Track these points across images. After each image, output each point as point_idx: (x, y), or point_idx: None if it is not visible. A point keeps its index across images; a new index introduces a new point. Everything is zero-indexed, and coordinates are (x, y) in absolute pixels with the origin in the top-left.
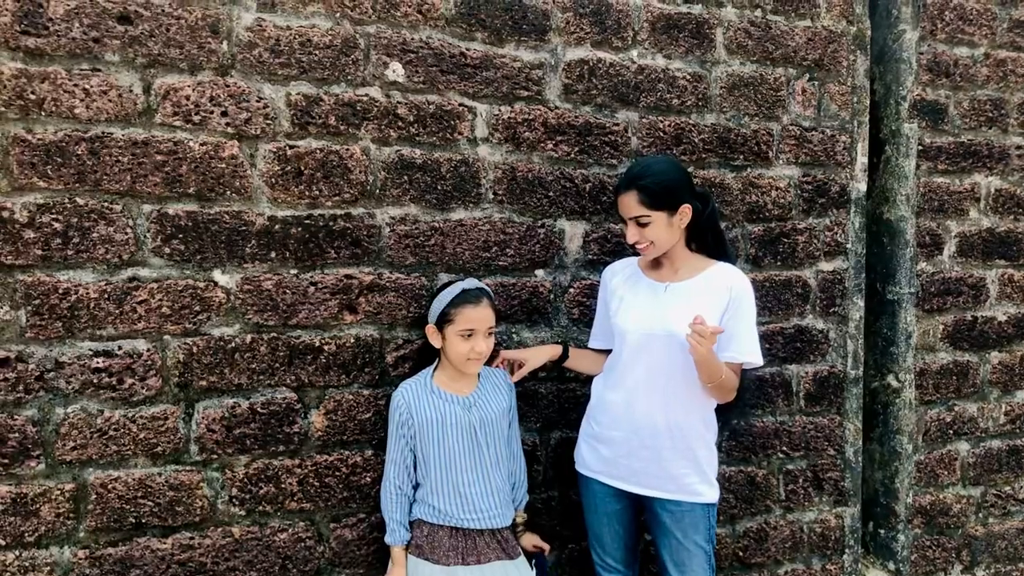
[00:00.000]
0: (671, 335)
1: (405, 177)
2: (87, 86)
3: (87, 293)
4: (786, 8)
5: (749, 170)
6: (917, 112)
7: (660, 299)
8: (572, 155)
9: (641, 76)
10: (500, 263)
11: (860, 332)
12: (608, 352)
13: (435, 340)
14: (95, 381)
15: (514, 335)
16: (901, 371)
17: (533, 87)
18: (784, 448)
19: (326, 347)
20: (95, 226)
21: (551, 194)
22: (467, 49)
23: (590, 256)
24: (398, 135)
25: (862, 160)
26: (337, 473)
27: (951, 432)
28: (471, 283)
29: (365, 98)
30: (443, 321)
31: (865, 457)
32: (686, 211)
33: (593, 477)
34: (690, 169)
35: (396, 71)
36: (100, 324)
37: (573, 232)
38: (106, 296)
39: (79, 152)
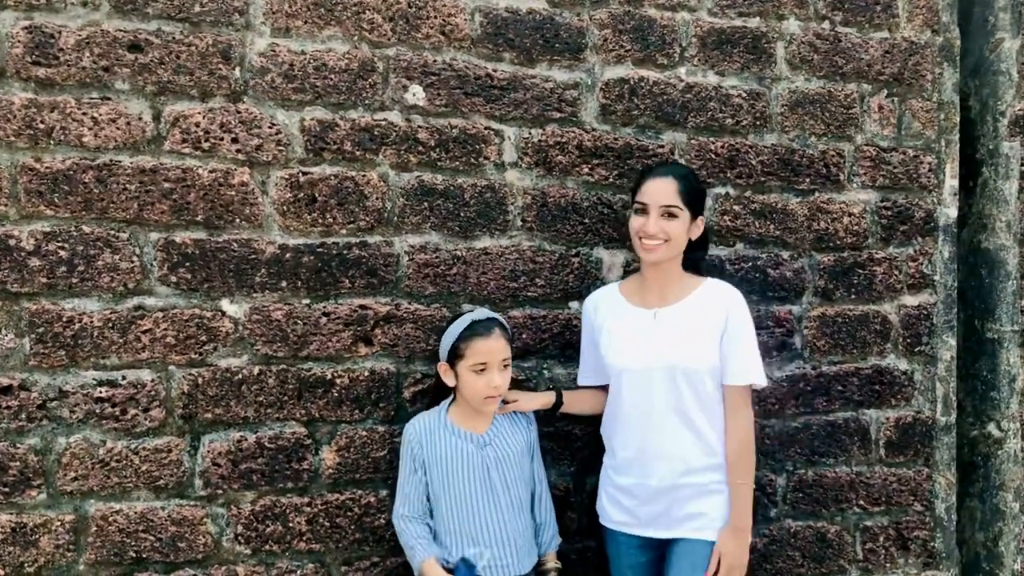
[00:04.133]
0: (671, 367)
1: (425, 204)
2: (96, 114)
3: (91, 322)
4: (858, 19)
5: (817, 194)
6: (1020, 129)
7: (652, 329)
8: (610, 179)
9: (689, 94)
10: (529, 294)
11: (952, 374)
12: (602, 388)
13: (448, 378)
14: (98, 411)
15: (545, 371)
16: (1004, 419)
17: (567, 108)
18: (861, 502)
19: (338, 380)
20: (100, 254)
21: (586, 221)
22: (494, 70)
23: None
24: (418, 160)
25: (951, 183)
26: (349, 513)
27: None
28: (481, 313)
29: (383, 123)
30: (454, 357)
31: (965, 516)
32: (701, 223)
33: (616, 529)
34: (747, 193)
35: (416, 94)
36: (104, 353)
37: (612, 261)
38: (110, 325)
39: (86, 180)
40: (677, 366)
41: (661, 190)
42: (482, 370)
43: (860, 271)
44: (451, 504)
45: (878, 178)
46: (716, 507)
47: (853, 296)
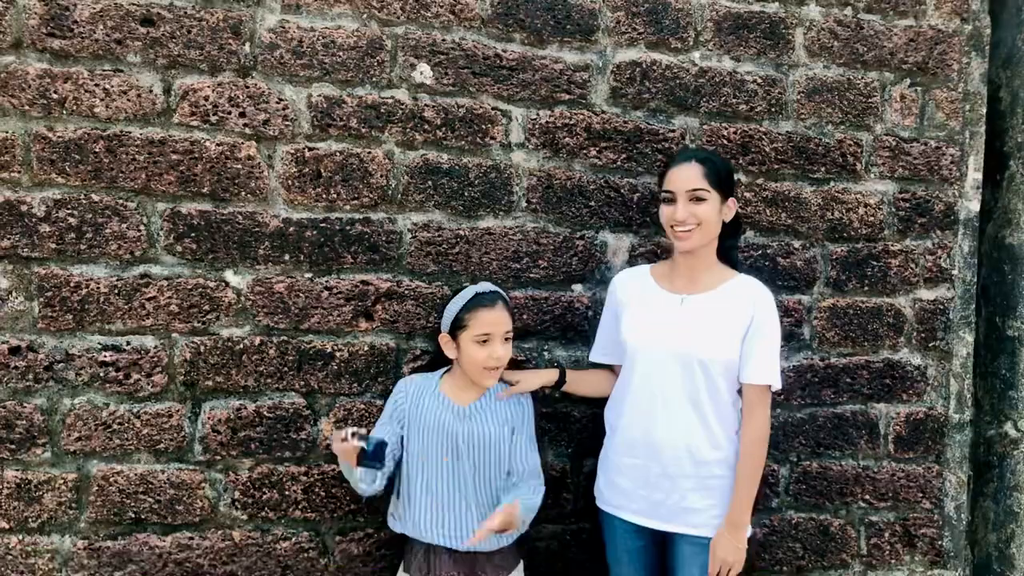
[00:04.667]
0: (688, 355)
1: (430, 182)
2: (108, 86)
3: (98, 287)
4: (882, 6)
5: (832, 184)
6: None
7: (676, 314)
8: (618, 163)
9: (703, 79)
10: (531, 275)
11: (968, 371)
12: (610, 368)
13: (450, 350)
14: (102, 375)
15: (546, 352)
16: (1021, 419)
17: (576, 90)
18: (867, 497)
19: (338, 353)
20: (108, 222)
21: (592, 204)
22: (503, 50)
23: None
24: (424, 139)
25: (974, 176)
26: (345, 484)
27: None
28: (484, 287)
29: (390, 100)
30: (457, 328)
31: (978, 516)
32: (733, 205)
33: (612, 513)
34: (759, 181)
35: (424, 73)
36: (109, 319)
37: (618, 245)
38: (116, 291)
39: (97, 150)
40: (694, 355)
41: (686, 175)
42: (485, 341)
43: (874, 263)
44: (418, 468)
45: (897, 169)
46: (717, 503)
47: (866, 288)
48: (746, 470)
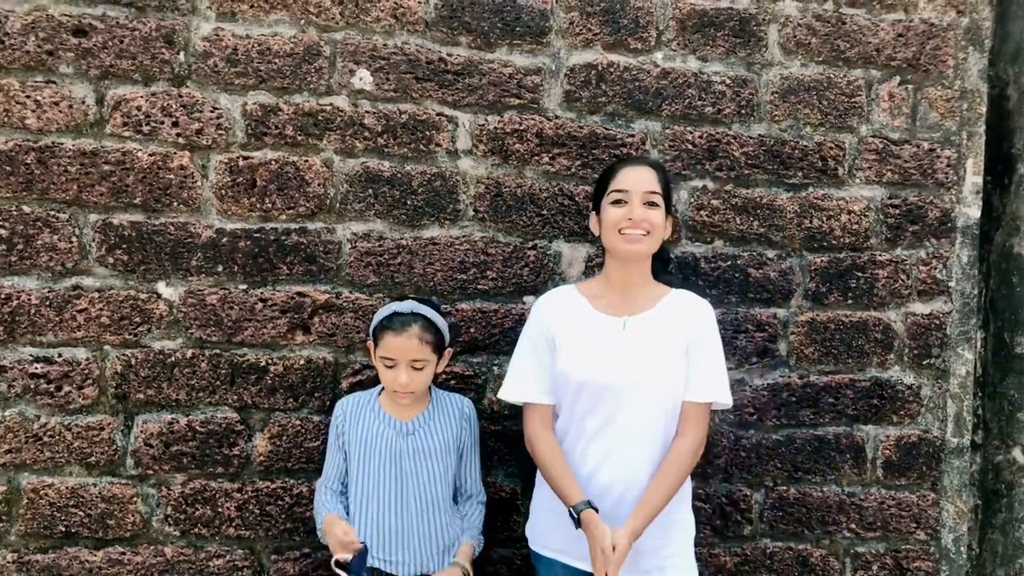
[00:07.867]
0: (639, 382)
1: (370, 191)
2: (39, 97)
3: (29, 299)
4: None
5: (811, 189)
6: None
7: (619, 339)
8: (573, 169)
9: (665, 81)
10: (479, 287)
11: (967, 391)
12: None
13: (373, 359)
14: (33, 387)
15: (496, 367)
16: None
17: (527, 94)
18: (852, 526)
19: (272, 367)
20: (40, 234)
21: (545, 212)
22: (448, 54)
23: None
24: (364, 146)
25: (974, 179)
26: (280, 502)
27: None
28: (406, 306)
29: (328, 107)
30: (374, 341)
31: (986, 549)
32: (670, 225)
33: (552, 557)
34: (729, 187)
35: (364, 79)
36: (40, 330)
37: (573, 256)
38: (47, 303)
39: (28, 161)
40: (646, 381)
41: (642, 178)
42: (390, 366)
43: (859, 274)
44: (362, 488)
45: (885, 173)
46: (681, 544)
47: (850, 301)
48: (665, 479)
